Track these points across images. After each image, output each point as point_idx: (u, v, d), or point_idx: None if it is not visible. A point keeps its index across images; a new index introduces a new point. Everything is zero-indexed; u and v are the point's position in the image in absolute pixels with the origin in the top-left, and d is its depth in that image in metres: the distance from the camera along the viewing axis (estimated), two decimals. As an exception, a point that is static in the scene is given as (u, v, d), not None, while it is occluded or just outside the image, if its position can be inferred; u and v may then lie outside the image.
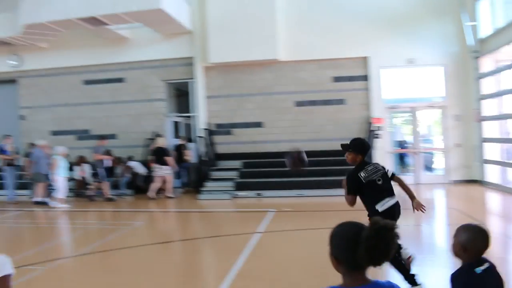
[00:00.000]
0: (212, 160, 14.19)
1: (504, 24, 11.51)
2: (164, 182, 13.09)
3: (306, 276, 5.45)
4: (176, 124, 15.91)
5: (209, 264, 7.02)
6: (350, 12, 13.77)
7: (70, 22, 13.11)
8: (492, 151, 12.79)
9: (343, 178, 4.69)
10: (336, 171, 12.71)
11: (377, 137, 13.36)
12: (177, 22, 13.62)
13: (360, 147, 4.76)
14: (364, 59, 13.84)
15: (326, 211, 9.92)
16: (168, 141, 14.33)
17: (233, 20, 13.82)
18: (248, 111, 14.50)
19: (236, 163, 13.99)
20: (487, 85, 12.80)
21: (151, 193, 12.95)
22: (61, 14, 12.89)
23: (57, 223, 10.90)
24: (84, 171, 13.67)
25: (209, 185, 13.27)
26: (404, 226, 8.75)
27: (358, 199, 4.64)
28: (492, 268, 2.50)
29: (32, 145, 13.75)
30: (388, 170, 4.78)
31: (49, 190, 12.79)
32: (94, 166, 13.43)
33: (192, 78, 14.72)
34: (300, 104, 14.24)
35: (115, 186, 13.59)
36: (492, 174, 12.75)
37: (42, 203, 12.53)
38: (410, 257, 4.60)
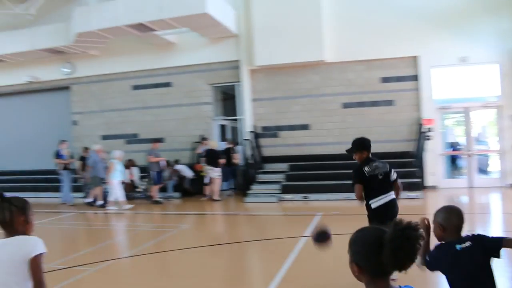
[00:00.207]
0: (258, 163, 14.15)
1: None
2: (212, 184, 13.19)
3: (352, 282, 5.26)
4: (222, 127, 15.99)
5: (254, 268, 6.94)
6: (399, 10, 13.39)
7: (118, 29, 13.45)
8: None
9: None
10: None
11: (428, 139, 12.93)
12: (222, 26, 13.68)
13: (361, 145, 5.17)
14: (414, 59, 13.41)
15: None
16: (216, 144, 14.42)
17: (279, 22, 13.74)
18: (295, 114, 14.36)
19: (283, 166, 13.89)
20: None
21: (215, 195, 13.06)
22: (110, 22, 13.26)
23: (108, 225, 11.16)
24: (132, 174, 13.94)
25: (256, 188, 13.23)
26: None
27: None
28: (474, 246, 2.68)
29: (86, 149, 14.18)
30: (392, 173, 5.09)
31: (105, 193, 13.06)
32: (146, 169, 13.67)
33: (238, 81, 14.75)
34: (347, 105, 13.97)
35: (162, 189, 13.77)
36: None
37: (97, 206, 12.87)
38: None
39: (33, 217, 2.61)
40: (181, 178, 14.12)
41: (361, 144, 5.18)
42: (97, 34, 13.86)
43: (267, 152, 14.52)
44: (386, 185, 5.02)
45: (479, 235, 2.81)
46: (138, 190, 14.00)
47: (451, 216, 2.79)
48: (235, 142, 14.89)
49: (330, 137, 13.82)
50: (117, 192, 12.25)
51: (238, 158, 14.09)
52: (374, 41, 13.47)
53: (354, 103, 13.91)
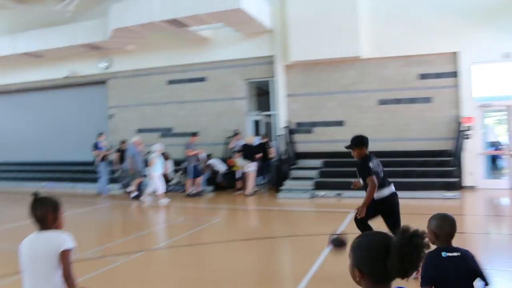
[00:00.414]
0: (292, 159, 14.06)
1: None
2: (247, 179, 13.22)
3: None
4: (256, 122, 15.96)
5: (286, 264, 6.88)
6: (438, 3, 12.99)
7: (153, 25, 13.61)
8: None
9: (354, 180, 5.79)
10: (419, 173, 12.16)
11: (467, 138, 12.53)
12: (257, 21, 13.62)
13: (361, 141, 5.50)
14: (454, 55, 13.00)
15: (408, 214, 9.40)
16: (252, 139, 14.39)
17: (314, 17, 13.58)
18: (329, 110, 14.19)
19: (316, 162, 13.75)
20: None
21: (250, 189, 13.09)
22: (145, 17, 13.45)
23: (142, 217, 11.32)
24: (167, 167, 14.06)
25: (289, 183, 13.14)
26: (497, 235, 8.10)
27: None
28: (461, 257, 2.77)
29: (123, 142, 14.41)
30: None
31: (141, 185, 13.20)
32: (179, 162, 13.77)
33: (272, 77, 14.67)
34: (383, 102, 13.70)
35: (195, 183, 13.84)
36: None
37: (135, 197, 13.04)
38: None
39: (63, 215, 2.95)
40: (214, 172, 14.18)
41: (361, 141, 5.49)
42: (132, 30, 14.09)
43: (301, 148, 14.42)
44: (385, 179, 5.45)
45: (468, 251, 2.86)
46: (171, 183, 14.13)
47: (444, 224, 2.88)
48: (268, 137, 14.85)
49: (365, 134, 13.41)
50: (157, 184, 12.31)
51: (273, 153, 14.06)
52: (412, 36, 13.13)
53: (391, 100, 13.63)
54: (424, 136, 13.17)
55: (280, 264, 6.80)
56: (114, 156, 14.55)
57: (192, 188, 13.41)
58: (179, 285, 5.59)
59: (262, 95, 16.34)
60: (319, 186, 12.64)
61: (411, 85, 13.43)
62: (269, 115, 15.64)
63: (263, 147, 13.90)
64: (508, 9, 12.43)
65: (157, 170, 12.35)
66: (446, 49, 13.01)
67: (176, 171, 14.37)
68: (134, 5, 13.74)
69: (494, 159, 14.14)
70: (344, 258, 6.24)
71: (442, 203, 10.73)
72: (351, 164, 12.90)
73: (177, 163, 14.23)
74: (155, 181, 12.29)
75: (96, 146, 14.19)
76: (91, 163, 15.21)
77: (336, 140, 13.82)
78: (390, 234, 1.68)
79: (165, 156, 14.19)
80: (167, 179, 14.04)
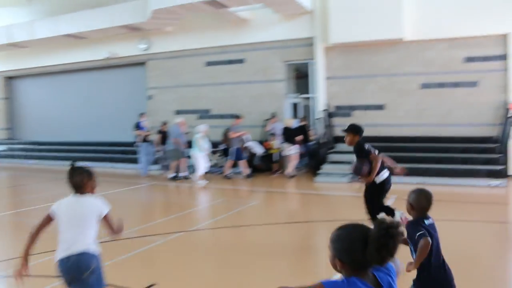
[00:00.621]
0: (330, 143, 13.88)
1: None
2: (288, 161, 13.18)
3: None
4: (294, 105, 15.80)
5: (323, 249, 6.78)
6: (488, -16, 12.46)
7: (193, 6, 13.55)
8: None
9: (354, 164, 6.13)
10: (462, 159, 11.81)
11: (515, 124, 12.06)
12: (297, 2, 13.39)
13: (358, 129, 6.01)
14: (504, 37, 12.44)
15: (452, 202, 9.16)
16: (292, 122, 14.26)
17: (356, -3, 13.23)
18: (369, 93, 13.88)
19: (355, 146, 13.50)
20: None
21: (290, 172, 13.06)
22: (185, -2, 13.36)
23: (181, 198, 11.43)
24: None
25: (327, 167, 12.99)
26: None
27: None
28: (434, 224, 3.18)
29: (165, 123, 14.52)
30: None
31: (187, 166, 13.35)
32: (217, 144, 13.95)
33: (312, 59, 14.44)
34: (426, 86, 13.30)
35: (233, 165, 13.86)
36: None
37: (176, 178, 13.17)
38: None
39: (96, 182, 3.38)
40: (252, 155, 14.16)
41: (358, 129, 6.00)
42: (172, 11, 14.07)
43: (339, 131, 14.20)
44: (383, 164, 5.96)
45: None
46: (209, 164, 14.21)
47: (421, 198, 3.17)
48: (307, 120, 14.70)
49: (407, 118, 13.23)
50: (200, 165, 12.39)
51: (313, 135, 13.91)
52: (458, 17, 12.64)
53: (434, 84, 13.21)
54: (468, 122, 12.75)
55: (318, 249, 6.69)
56: (155, 137, 14.71)
57: (231, 170, 13.44)
58: (219, 266, 5.60)
59: (301, 77, 16.13)
60: (358, 170, 12.42)
61: (456, 68, 12.97)
62: (308, 98, 15.45)
63: (303, 130, 13.77)
64: None
65: (202, 151, 12.42)
66: (495, 31, 12.48)
67: (213, 152, 14.41)
68: (174, -15, 13.70)
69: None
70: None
71: (488, 191, 10.41)
72: (391, 149, 12.78)
73: (214, 145, 14.25)
74: (199, 161, 12.36)
75: (138, 126, 14.33)
76: (130, 144, 15.42)
77: (376, 124, 13.52)
78: (367, 225, 1.79)
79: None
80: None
